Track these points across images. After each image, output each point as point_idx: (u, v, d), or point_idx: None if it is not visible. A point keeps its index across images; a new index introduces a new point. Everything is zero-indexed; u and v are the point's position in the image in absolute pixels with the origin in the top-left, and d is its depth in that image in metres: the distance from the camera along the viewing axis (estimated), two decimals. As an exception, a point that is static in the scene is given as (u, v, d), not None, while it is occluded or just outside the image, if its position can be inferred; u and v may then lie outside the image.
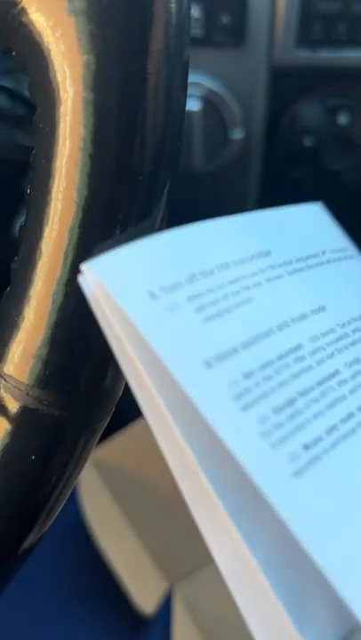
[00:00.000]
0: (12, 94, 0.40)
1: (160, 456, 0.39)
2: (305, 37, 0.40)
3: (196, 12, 0.38)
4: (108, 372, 0.18)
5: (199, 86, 0.41)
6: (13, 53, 0.16)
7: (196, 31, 0.39)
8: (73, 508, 0.36)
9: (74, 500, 0.36)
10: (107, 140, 0.15)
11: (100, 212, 0.16)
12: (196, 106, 0.41)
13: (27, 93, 0.40)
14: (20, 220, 0.49)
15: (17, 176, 0.47)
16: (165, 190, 0.17)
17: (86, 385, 0.17)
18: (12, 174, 0.46)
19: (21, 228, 0.18)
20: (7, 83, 0.40)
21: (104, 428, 0.19)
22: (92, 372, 0.17)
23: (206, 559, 0.38)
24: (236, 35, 0.39)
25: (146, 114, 0.16)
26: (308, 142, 0.44)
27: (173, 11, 0.16)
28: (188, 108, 0.41)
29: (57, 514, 0.19)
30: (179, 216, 0.55)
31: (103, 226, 0.16)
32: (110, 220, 0.16)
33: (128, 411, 0.45)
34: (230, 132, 0.42)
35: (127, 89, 0.15)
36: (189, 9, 0.16)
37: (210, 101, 0.41)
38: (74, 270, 0.16)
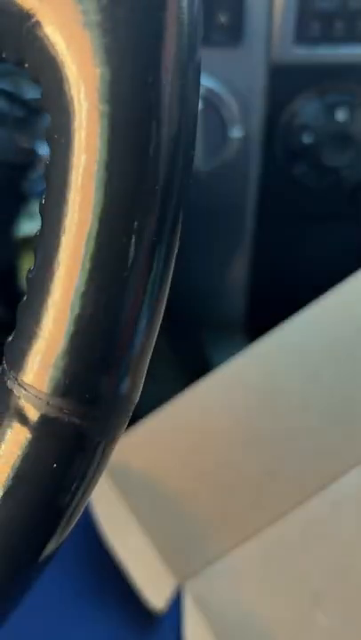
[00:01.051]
0: (11, 97, 0.40)
1: (168, 454, 0.39)
2: (303, 35, 0.40)
3: (193, 11, 0.38)
4: (126, 380, 0.18)
5: (198, 85, 0.41)
6: (26, 65, 0.17)
7: (195, 30, 0.39)
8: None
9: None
10: (122, 151, 0.16)
11: (116, 223, 0.16)
12: (196, 105, 0.41)
13: (25, 96, 0.40)
14: (19, 222, 0.48)
15: (16, 178, 0.47)
16: (181, 198, 0.17)
17: (106, 393, 0.17)
18: (11, 176, 0.46)
19: (35, 237, 0.18)
20: (6, 86, 0.40)
21: (122, 435, 0.19)
22: (111, 380, 0.17)
23: (215, 556, 0.39)
24: (234, 34, 0.39)
25: (161, 124, 0.16)
26: (307, 139, 0.44)
27: (185, 21, 0.16)
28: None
29: (76, 520, 0.19)
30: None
31: (120, 235, 0.16)
32: (127, 229, 0.16)
33: (136, 410, 0.45)
34: (229, 131, 0.42)
35: (142, 100, 0.15)
36: (201, 18, 0.16)
37: (209, 100, 0.41)
38: (92, 280, 0.16)
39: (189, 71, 0.16)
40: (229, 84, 0.41)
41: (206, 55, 0.40)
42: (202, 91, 0.41)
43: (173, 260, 0.19)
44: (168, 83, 0.16)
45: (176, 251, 0.19)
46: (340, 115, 0.43)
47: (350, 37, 0.40)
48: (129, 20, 0.15)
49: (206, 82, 0.41)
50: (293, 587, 0.37)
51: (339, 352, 0.38)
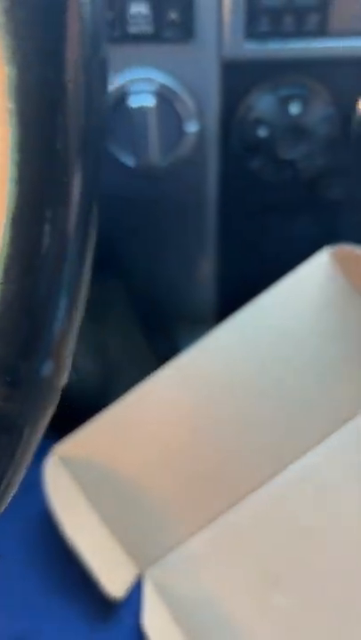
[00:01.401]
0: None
1: (125, 446, 0.40)
2: (252, 30, 0.41)
3: (144, 9, 0.39)
4: (47, 364, 0.18)
5: (152, 82, 0.41)
6: None
7: (146, 28, 0.40)
8: (38, 502, 0.37)
9: (39, 495, 0.37)
10: (31, 146, 0.16)
11: (29, 213, 0.17)
12: (150, 101, 0.41)
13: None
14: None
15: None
16: (93, 188, 0.18)
17: (26, 376, 0.18)
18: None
19: None
20: None
21: (49, 417, 0.20)
22: (31, 364, 0.18)
23: (174, 544, 0.40)
24: (185, 30, 0.40)
25: (67, 118, 0.17)
26: (262, 133, 0.44)
27: (87, 20, 0.16)
28: (141, 103, 0.42)
29: (6, 504, 0.20)
30: (141, 212, 0.56)
31: (33, 226, 0.17)
32: (40, 219, 0.17)
33: (91, 404, 0.46)
34: (185, 126, 0.43)
35: (47, 98, 0.16)
36: (103, 14, 0.17)
37: (163, 96, 0.42)
38: (8, 268, 0.17)
39: (94, 67, 0.17)
40: (183, 80, 0.42)
41: (158, 51, 0.41)
42: (155, 86, 0.42)
43: (91, 250, 0.19)
44: (72, 79, 0.16)
45: (94, 240, 0.20)
46: (294, 108, 0.44)
47: (299, 32, 0.41)
48: (31, 20, 0.16)
49: (160, 78, 0.41)
50: (252, 570, 0.38)
51: (287, 341, 0.39)
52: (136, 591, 0.38)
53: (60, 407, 0.46)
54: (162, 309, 0.69)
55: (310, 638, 0.36)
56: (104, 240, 0.63)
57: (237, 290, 0.60)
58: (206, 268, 0.62)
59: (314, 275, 0.40)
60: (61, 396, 0.59)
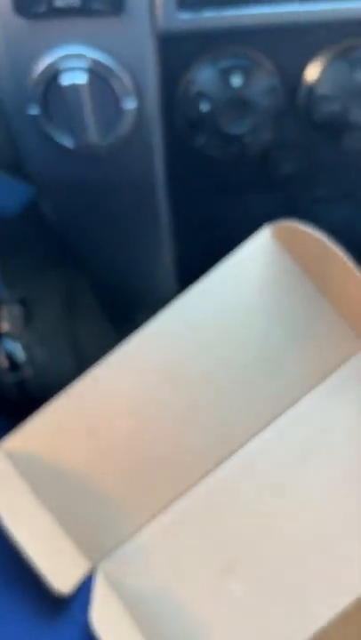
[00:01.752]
0: None
1: (70, 438, 0.39)
2: (186, 0, 0.39)
3: (70, -20, 0.37)
4: None
5: (83, 58, 0.40)
6: None
7: (72, 1, 0.38)
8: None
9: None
10: None
11: None
12: (82, 79, 0.40)
13: None
14: None
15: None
16: None
17: None
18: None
19: None
20: None
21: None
22: None
23: (127, 535, 0.39)
24: (114, 2, 0.38)
25: None
26: (204, 107, 0.43)
27: None
28: (73, 81, 0.40)
29: None
30: (90, 196, 0.54)
31: None
32: None
33: (36, 397, 0.45)
34: (122, 103, 0.42)
35: None
36: None
37: (96, 73, 0.40)
38: None
39: None
40: (116, 55, 0.40)
41: (88, 26, 0.40)
42: (87, 63, 0.40)
43: None
44: None
45: None
46: (235, 80, 0.42)
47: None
48: None
49: (91, 54, 0.40)
50: (206, 558, 0.37)
51: (232, 322, 0.38)
52: (88, 586, 0.37)
53: (32, 401, 0.44)
54: (125, 297, 0.67)
55: (266, 623, 0.36)
56: (60, 229, 0.62)
57: (198, 272, 0.58)
58: (164, 252, 0.60)
59: (256, 253, 0.39)
60: (33, 390, 0.58)
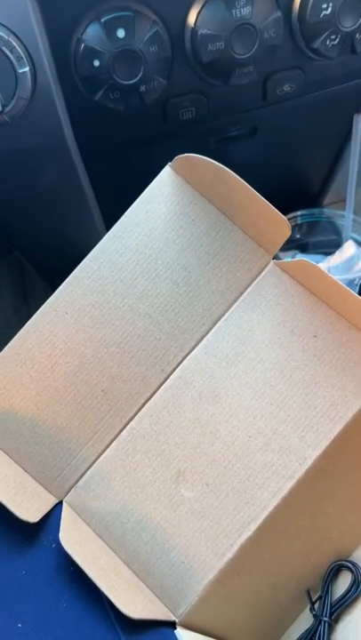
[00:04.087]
0: None
1: (19, 386, 0.41)
2: None
3: None
4: None
5: (-30, 28, 0.42)
6: None
7: None
8: None
9: None
10: None
11: None
12: (-28, 47, 0.41)
13: None
14: None
15: None
16: None
17: None
18: None
19: None
20: None
21: None
22: None
23: (85, 468, 0.41)
24: (-10, -31, 0.40)
25: None
26: (96, 62, 0.45)
27: None
28: None
29: None
30: (8, 165, 0.55)
31: None
32: None
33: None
34: (17, 68, 0.43)
35: None
36: None
37: (-14, 41, 0.42)
38: None
39: None
40: (3, 22, 0.42)
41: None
42: (-25, 32, 0.42)
43: None
44: None
45: None
46: (120, 32, 0.45)
47: None
48: None
49: (-23, 22, 0.41)
50: (157, 471, 0.40)
51: (148, 257, 0.41)
52: (58, 519, 0.40)
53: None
54: (67, 267, 0.69)
55: (219, 519, 0.39)
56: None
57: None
58: (92, 214, 0.63)
59: (161, 190, 0.42)
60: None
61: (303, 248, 0.74)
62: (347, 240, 0.70)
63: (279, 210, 0.38)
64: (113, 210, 0.59)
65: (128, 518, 0.40)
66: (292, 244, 0.74)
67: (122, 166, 0.56)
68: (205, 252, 0.41)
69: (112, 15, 0.44)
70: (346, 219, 0.70)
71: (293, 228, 0.72)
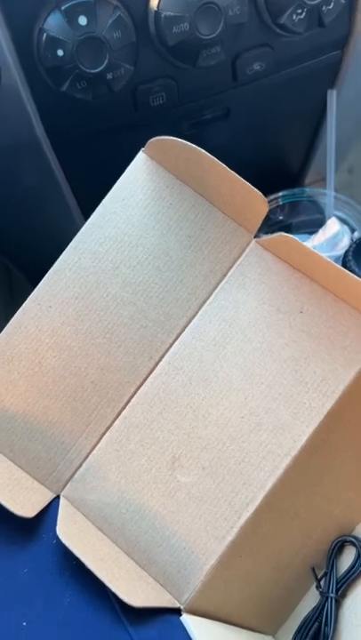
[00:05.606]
0: None
1: (8, 383, 0.41)
2: None
3: None
4: None
5: None
6: None
7: None
8: None
9: None
10: None
11: None
12: None
13: None
14: None
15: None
16: None
17: None
18: None
19: None
20: None
21: None
22: None
23: (79, 461, 0.41)
24: None
25: None
26: (60, 52, 0.45)
27: None
28: None
29: None
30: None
31: None
32: None
33: None
34: (-20, 63, 0.43)
35: None
36: None
37: None
38: None
39: None
40: None
41: None
42: None
43: None
44: None
45: None
46: (82, 20, 0.44)
47: None
48: None
49: None
50: (152, 458, 0.40)
51: (128, 244, 0.41)
52: (55, 514, 0.40)
53: None
54: (49, 267, 0.69)
55: (218, 502, 0.39)
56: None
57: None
58: (70, 208, 0.62)
59: (136, 176, 0.41)
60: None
61: (287, 229, 0.74)
62: (330, 218, 0.70)
63: (261, 192, 0.38)
64: (91, 202, 0.58)
65: (127, 508, 0.40)
66: (275, 226, 0.73)
67: (96, 157, 0.56)
68: (186, 236, 0.41)
69: (72, 2, 0.44)
70: (328, 196, 0.70)
71: (275, 209, 0.72)
